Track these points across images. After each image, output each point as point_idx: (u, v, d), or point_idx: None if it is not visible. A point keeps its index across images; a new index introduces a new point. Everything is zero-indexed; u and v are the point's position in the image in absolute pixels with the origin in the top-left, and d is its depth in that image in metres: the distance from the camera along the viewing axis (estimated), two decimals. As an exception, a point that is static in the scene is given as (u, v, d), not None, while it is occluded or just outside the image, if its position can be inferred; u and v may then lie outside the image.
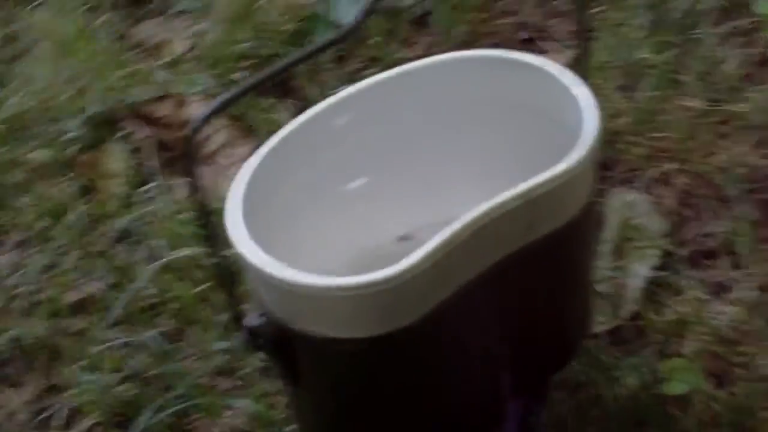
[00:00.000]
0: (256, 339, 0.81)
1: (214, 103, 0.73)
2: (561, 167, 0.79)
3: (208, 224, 0.77)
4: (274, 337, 0.79)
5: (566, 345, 0.96)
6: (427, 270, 0.74)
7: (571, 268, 0.90)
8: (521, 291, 0.84)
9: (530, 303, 0.86)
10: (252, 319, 0.80)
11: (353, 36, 0.75)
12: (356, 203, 0.96)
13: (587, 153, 0.80)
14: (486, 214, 0.77)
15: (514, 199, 0.78)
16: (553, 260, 0.85)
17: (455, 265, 0.77)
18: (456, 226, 0.76)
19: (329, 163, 0.92)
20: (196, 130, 0.72)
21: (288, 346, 0.80)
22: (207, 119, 0.72)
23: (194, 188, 0.75)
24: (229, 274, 0.80)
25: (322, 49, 0.77)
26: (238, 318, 0.81)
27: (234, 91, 0.74)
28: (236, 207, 0.80)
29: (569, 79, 0.85)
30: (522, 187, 0.78)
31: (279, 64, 0.76)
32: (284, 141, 0.87)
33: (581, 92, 0.84)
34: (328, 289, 0.74)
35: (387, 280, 0.73)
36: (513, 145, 0.94)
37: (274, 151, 0.86)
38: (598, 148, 0.82)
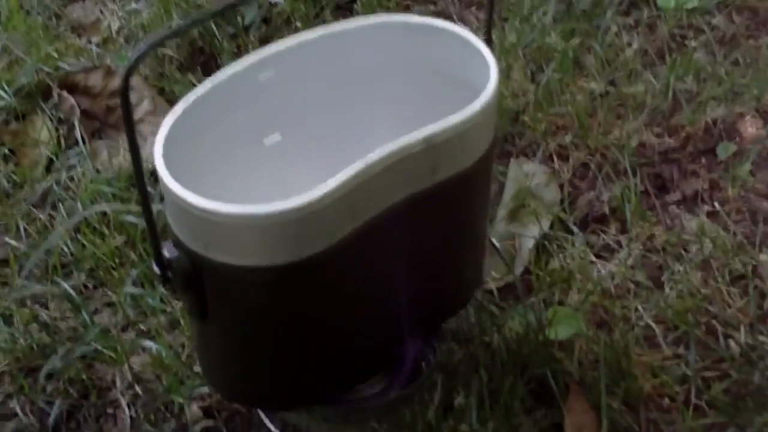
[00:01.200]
0: (169, 271, 0.84)
1: (145, 43, 0.75)
2: (461, 115, 0.84)
3: (139, 161, 0.79)
4: (186, 268, 0.83)
5: (461, 289, 1.01)
6: (334, 202, 0.79)
7: (469, 214, 0.95)
8: (424, 231, 0.89)
9: (431, 244, 0.91)
10: (167, 250, 0.84)
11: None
12: (271, 159, 1.00)
13: (485, 104, 0.85)
14: (391, 154, 0.82)
15: (417, 142, 0.83)
16: (453, 203, 0.90)
17: (362, 200, 0.82)
18: (363, 162, 0.80)
19: (248, 118, 0.96)
20: (132, 69, 0.74)
21: (199, 277, 0.83)
22: (141, 58, 0.74)
23: (130, 126, 0.78)
24: (152, 214, 0.83)
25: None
26: (157, 251, 0.84)
27: (162, 33, 0.76)
28: (161, 144, 0.84)
29: (477, 42, 0.91)
30: (425, 131, 0.83)
31: (205, 11, 0.79)
32: (209, 92, 0.90)
33: (487, 53, 0.90)
34: (240, 217, 0.78)
35: (296, 210, 0.77)
36: (425, 107, 0.97)
37: (197, 102, 0.89)
38: (496, 102, 0.88)
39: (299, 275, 0.82)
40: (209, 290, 0.84)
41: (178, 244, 0.84)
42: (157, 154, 0.83)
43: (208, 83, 0.91)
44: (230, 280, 0.83)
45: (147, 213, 0.83)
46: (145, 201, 0.82)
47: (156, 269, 0.85)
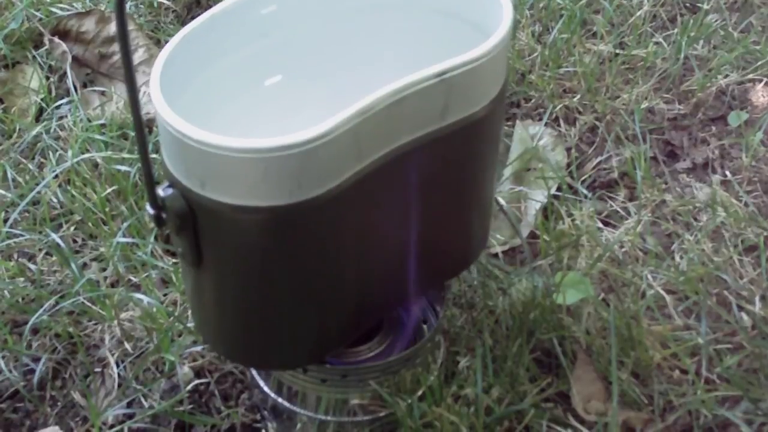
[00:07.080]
0: (163, 212, 0.80)
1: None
2: (475, 52, 0.81)
3: (135, 94, 0.73)
4: (181, 208, 0.79)
5: (467, 247, 0.97)
6: (340, 137, 0.75)
7: (478, 166, 0.91)
8: (431, 180, 0.85)
9: (437, 196, 0.87)
10: (162, 190, 0.80)
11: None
12: (271, 101, 0.95)
13: (500, 41, 0.82)
14: (402, 88, 0.78)
15: (430, 76, 0.79)
16: (462, 152, 0.86)
17: (369, 138, 0.78)
18: (372, 97, 0.76)
19: (249, 55, 0.91)
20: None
21: (194, 218, 0.79)
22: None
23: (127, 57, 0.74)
24: (146, 144, 0.79)
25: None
26: (151, 188, 0.79)
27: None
28: (158, 73, 0.78)
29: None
30: (438, 66, 0.79)
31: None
32: (208, 24, 0.84)
33: None
34: (240, 151, 0.74)
35: (299, 144, 0.73)
36: (433, 50, 0.93)
37: (196, 33, 0.84)
38: (509, 41, 0.84)
39: (299, 218, 0.78)
40: (204, 232, 0.80)
41: (173, 183, 0.79)
42: (153, 84, 0.78)
43: (208, 14, 0.86)
44: (226, 221, 0.78)
45: (141, 141, 0.79)
46: (138, 123, 0.77)
47: (149, 210, 0.80)
